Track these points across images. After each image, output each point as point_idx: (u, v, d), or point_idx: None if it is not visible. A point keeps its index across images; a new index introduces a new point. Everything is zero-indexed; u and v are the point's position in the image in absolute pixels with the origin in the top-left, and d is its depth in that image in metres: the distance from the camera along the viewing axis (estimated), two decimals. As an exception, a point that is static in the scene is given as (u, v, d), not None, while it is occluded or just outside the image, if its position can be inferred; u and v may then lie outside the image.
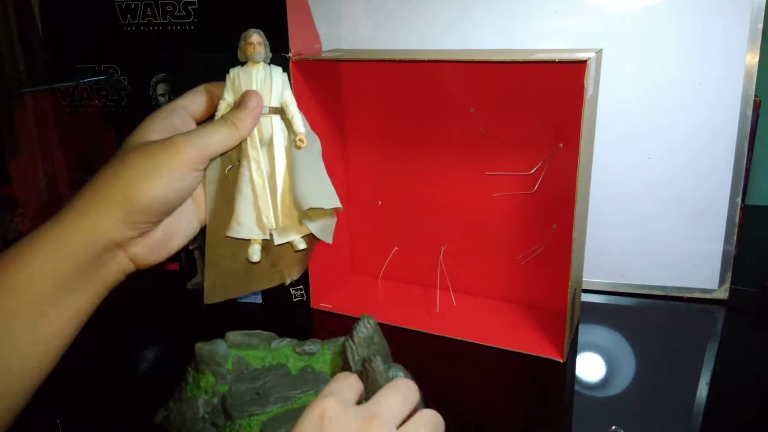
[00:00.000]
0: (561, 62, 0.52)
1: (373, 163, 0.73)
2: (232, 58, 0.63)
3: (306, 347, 0.55)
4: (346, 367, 0.51)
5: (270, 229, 0.45)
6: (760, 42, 0.62)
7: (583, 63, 0.50)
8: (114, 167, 0.40)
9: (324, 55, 0.63)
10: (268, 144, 0.45)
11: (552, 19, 0.67)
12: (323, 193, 0.46)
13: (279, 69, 0.46)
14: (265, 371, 0.53)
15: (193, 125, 0.45)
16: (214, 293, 0.46)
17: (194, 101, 0.46)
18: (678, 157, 0.68)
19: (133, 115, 0.68)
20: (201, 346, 0.52)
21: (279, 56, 0.60)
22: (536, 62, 0.58)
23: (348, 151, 0.74)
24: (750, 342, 0.65)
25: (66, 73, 0.70)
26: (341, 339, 0.54)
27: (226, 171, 0.45)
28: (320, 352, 0.55)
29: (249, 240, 0.46)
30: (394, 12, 0.72)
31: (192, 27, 0.62)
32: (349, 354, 0.51)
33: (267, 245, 0.46)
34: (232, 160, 0.45)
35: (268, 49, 0.45)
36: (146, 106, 0.67)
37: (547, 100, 0.62)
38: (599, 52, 0.57)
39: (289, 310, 0.67)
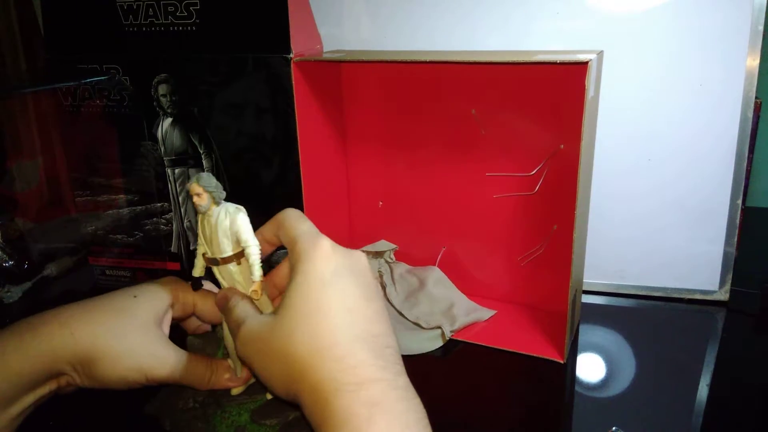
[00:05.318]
0: (562, 64, 0.52)
1: (374, 164, 0.73)
2: (233, 58, 0.63)
3: None
4: None
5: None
6: (761, 44, 0.62)
7: (584, 64, 0.50)
8: (96, 323, 0.43)
9: (325, 56, 0.63)
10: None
11: (553, 21, 0.67)
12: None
13: (231, 210, 0.42)
14: None
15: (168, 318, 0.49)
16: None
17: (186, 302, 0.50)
18: (679, 158, 0.68)
19: (134, 116, 0.68)
20: (192, 339, 0.52)
21: (280, 57, 0.60)
22: (537, 64, 0.58)
23: (349, 152, 0.74)
24: (750, 344, 0.65)
25: (68, 74, 0.70)
26: None
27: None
28: None
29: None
30: (395, 13, 0.72)
31: (194, 27, 0.62)
32: None
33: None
34: None
35: (219, 191, 0.41)
36: (148, 107, 0.67)
37: (548, 101, 0.62)
38: (600, 53, 0.57)
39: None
